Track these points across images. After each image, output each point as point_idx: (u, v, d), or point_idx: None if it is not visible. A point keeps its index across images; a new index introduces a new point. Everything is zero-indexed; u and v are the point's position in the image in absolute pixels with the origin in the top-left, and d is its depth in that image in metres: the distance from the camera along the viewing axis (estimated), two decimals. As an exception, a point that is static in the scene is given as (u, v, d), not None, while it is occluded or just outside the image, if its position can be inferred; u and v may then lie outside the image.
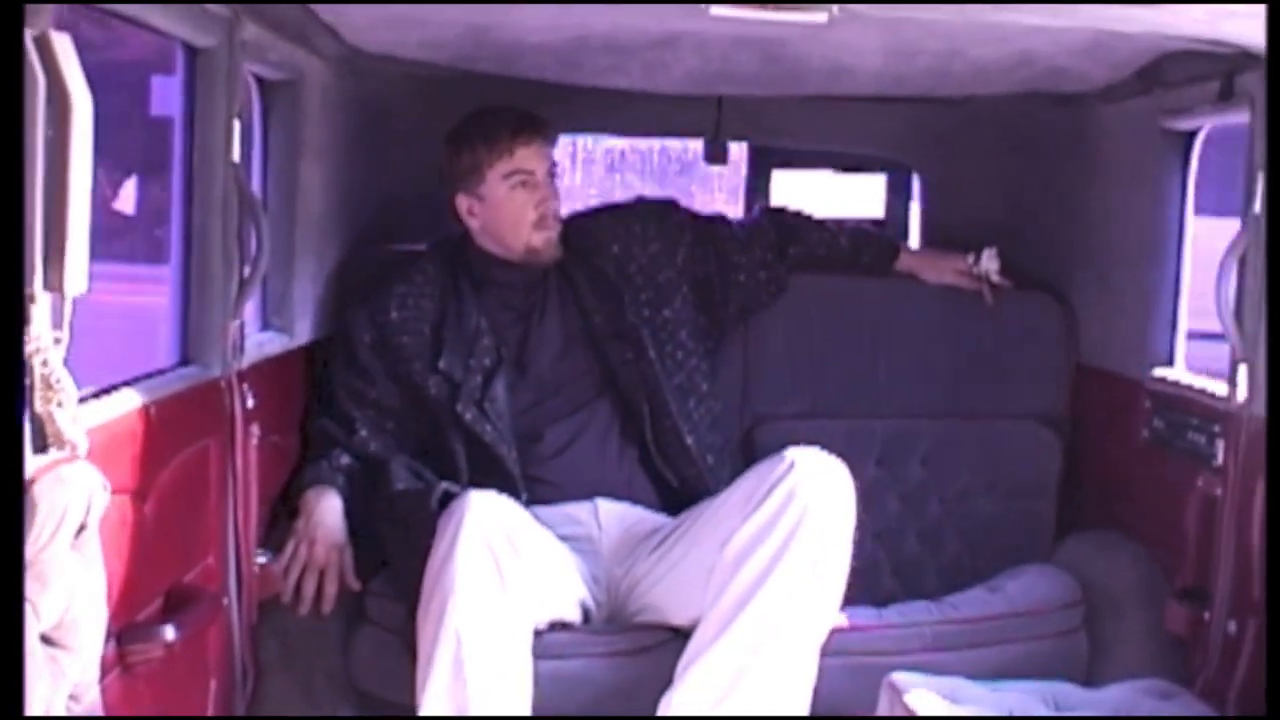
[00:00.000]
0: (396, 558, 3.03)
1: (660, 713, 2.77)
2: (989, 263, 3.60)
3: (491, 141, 3.20)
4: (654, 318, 3.29)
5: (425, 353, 3.19)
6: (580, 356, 3.26)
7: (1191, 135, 3.23)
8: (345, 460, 3.15)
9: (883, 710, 2.76)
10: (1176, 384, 3.22)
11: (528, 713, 2.74)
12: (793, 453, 2.92)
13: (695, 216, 3.52)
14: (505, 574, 2.75)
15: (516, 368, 3.23)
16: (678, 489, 3.21)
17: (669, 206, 3.52)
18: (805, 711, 2.77)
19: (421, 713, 2.70)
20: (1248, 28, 2.45)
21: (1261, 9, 2.25)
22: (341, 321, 3.33)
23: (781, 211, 3.72)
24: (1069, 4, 2.43)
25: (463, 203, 3.25)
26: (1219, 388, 2.93)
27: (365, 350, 3.22)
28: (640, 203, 3.54)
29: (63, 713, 1.85)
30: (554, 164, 3.26)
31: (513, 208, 3.21)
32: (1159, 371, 3.31)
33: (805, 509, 2.83)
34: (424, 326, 3.22)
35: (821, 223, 3.65)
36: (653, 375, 3.21)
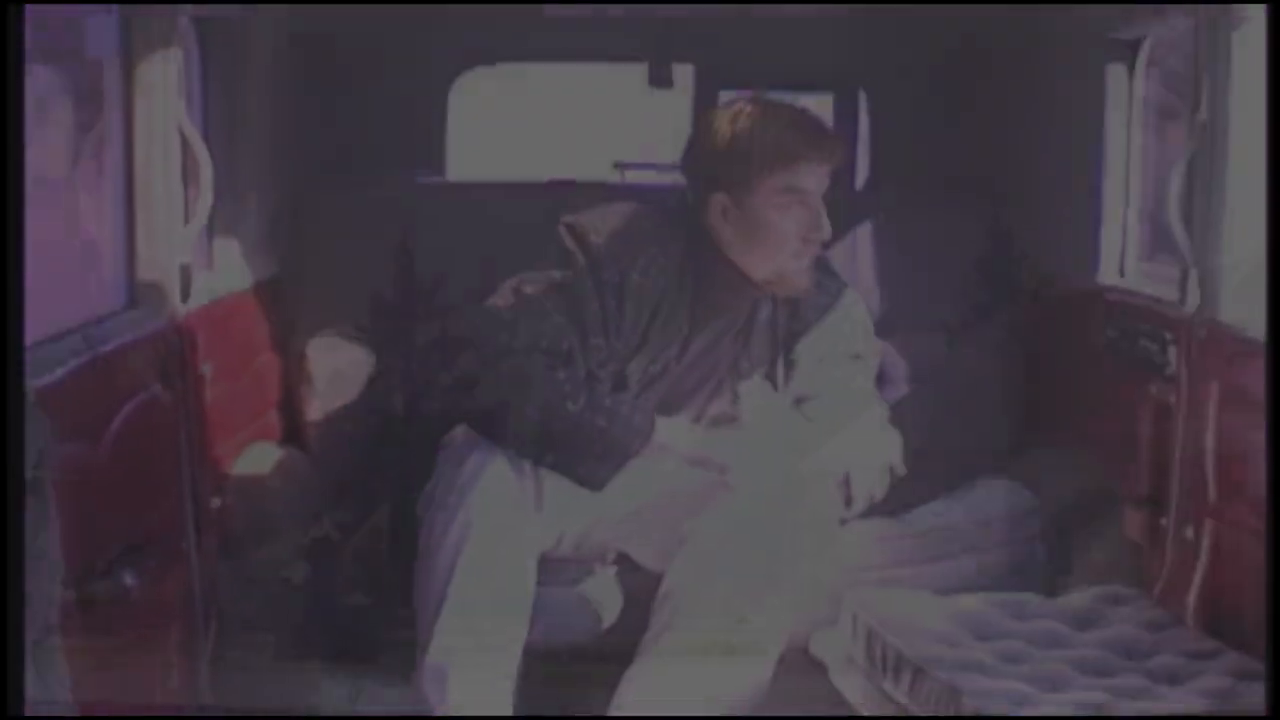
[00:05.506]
0: None
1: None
2: None
3: (771, 149, 2.83)
4: None
5: None
6: None
7: (1138, 43, 3.23)
8: None
9: (845, 632, 2.77)
10: (1128, 293, 3.23)
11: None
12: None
13: None
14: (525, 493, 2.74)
15: None
16: None
17: None
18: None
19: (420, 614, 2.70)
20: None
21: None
22: None
23: None
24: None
25: (717, 204, 2.88)
26: (1170, 294, 2.94)
27: None
28: None
29: (26, 658, 1.84)
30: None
31: (783, 227, 2.86)
32: (1110, 281, 3.32)
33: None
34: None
35: None
36: None
